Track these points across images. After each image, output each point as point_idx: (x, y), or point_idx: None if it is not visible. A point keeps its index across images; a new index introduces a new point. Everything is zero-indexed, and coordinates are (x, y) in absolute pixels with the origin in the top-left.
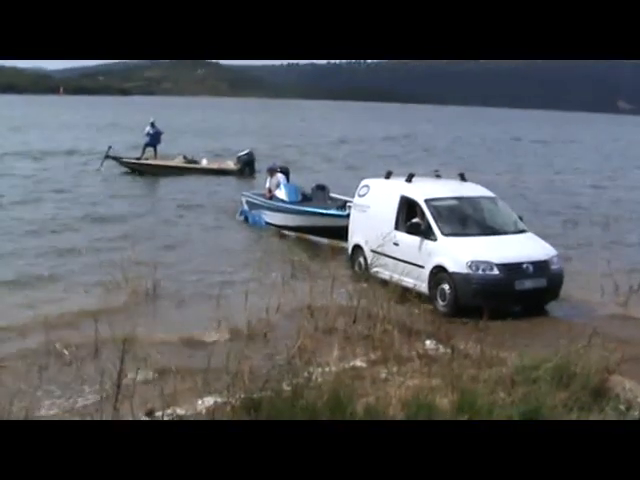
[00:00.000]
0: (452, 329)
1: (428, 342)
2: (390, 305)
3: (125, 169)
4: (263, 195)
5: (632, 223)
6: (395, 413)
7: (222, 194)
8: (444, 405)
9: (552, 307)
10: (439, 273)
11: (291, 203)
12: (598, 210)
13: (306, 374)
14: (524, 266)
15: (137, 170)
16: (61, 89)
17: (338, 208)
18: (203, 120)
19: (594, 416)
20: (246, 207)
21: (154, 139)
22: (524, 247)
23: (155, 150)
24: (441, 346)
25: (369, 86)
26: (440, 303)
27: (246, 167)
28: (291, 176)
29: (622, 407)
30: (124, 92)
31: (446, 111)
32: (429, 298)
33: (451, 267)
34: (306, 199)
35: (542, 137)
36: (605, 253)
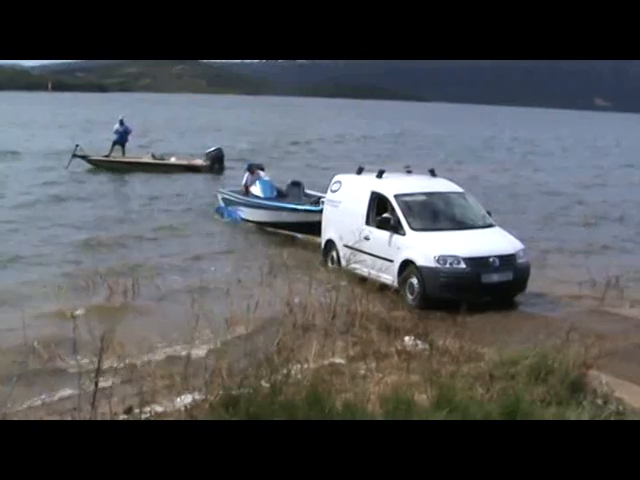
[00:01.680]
0: (431, 325)
1: (407, 338)
2: (369, 301)
3: (92, 167)
4: (239, 192)
5: (611, 221)
6: (374, 409)
7: (194, 191)
8: (423, 401)
9: (530, 302)
10: (408, 267)
11: (266, 199)
12: (579, 207)
13: (285, 371)
14: (491, 260)
15: (105, 167)
16: (49, 85)
17: (312, 204)
18: (182, 117)
19: (572, 410)
20: (222, 203)
21: (122, 137)
22: (491, 241)
23: (123, 148)
24: (420, 342)
25: (351, 83)
26: (409, 297)
27: (215, 163)
28: (269, 173)
29: (599, 401)
30: (102, 89)
31: (429, 108)
32: (398, 292)
33: (419, 261)
34: (281, 195)
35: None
36: (583, 248)
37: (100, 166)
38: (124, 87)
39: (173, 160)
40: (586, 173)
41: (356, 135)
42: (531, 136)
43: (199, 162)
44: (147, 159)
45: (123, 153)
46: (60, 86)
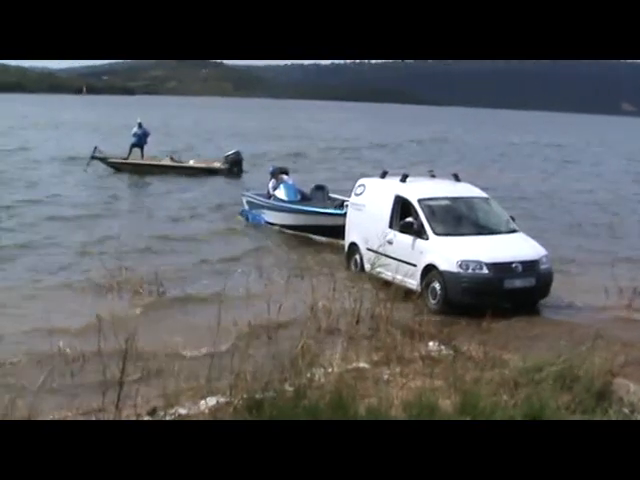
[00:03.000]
0: (455, 330)
1: (431, 343)
2: (393, 306)
3: (111, 169)
4: (264, 195)
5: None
6: (397, 414)
7: (215, 194)
8: (446, 406)
9: (555, 309)
10: (430, 271)
11: (290, 202)
12: (605, 214)
13: (309, 375)
14: (513, 265)
15: (124, 170)
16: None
17: (336, 207)
18: (208, 120)
19: (597, 418)
20: (247, 207)
21: (141, 139)
22: (514, 247)
23: (142, 150)
24: (444, 347)
25: (373, 86)
26: (431, 301)
27: (234, 166)
28: (295, 177)
29: (626, 410)
30: (128, 91)
31: (453, 112)
32: (422, 296)
33: (442, 266)
34: (305, 199)
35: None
36: (610, 256)
37: (119, 169)
38: (150, 90)
39: (191, 163)
40: (624, 181)
41: (388, 139)
42: (561, 141)
43: (217, 165)
44: (166, 162)
45: (142, 156)
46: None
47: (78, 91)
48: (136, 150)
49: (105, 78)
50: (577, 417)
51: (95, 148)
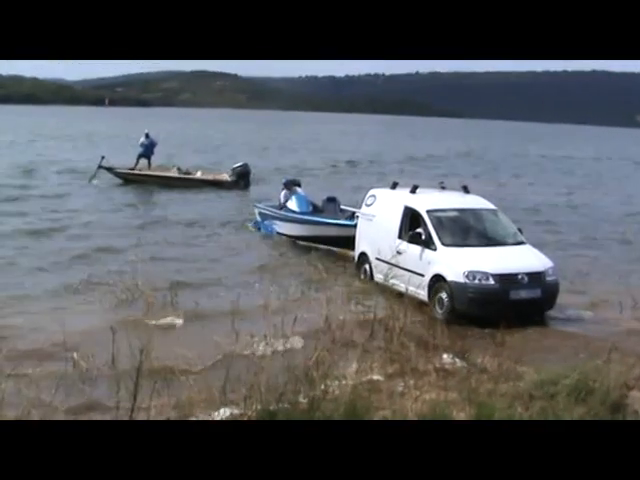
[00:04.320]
0: (469, 343)
1: (445, 356)
2: (407, 317)
3: (121, 181)
4: (276, 206)
5: None
6: None
7: (224, 205)
8: (461, 419)
9: (570, 321)
10: (438, 282)
11: (302, 213)
12: (619, 227)
13: (323, 387)
14: (519, 277)
15: (131, 180)
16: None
17: (347, 218)
18: (222, 132)
19: None
20: (259, 217)
21: (148, 150)
22: (520, 258)
23: (149, 160)
24: (458, 360)
25: (387, 98)
26: (438, 311)
27: (240, 179)
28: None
29: None
30: (143, 103)
31: (469, 125)
32: (428, 305)
33: (449, 276)
34: (317, 210)
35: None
36: (624, 269)
37: (126, 179)
38: (164, 102)
39: (199, 174)
40: None
41: (420, 154)
42: (583, 154)
43: (224, 177)
44: (173, 173)
45: (149, 166)
46: (99, 101)
47: (100, 102)
48: (143, 161)
49: (120, 90)
50: None
51: (102, 158)
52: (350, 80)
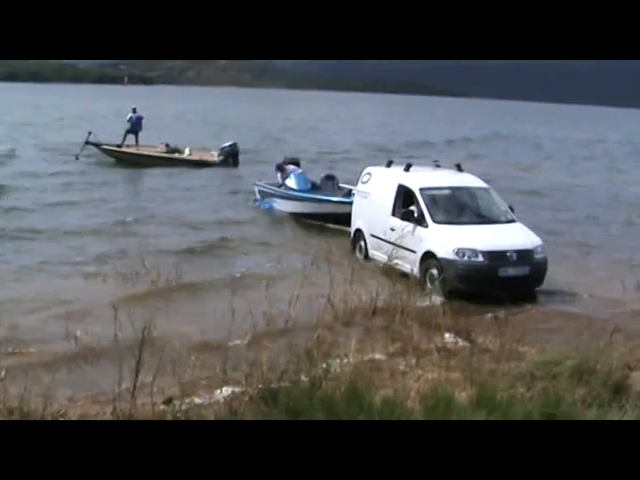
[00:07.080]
0: (471, 322)
1: (447, 335)
2: (409, 297)
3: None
4: (275, 184)
5: None
6: (413, 406)
7: (219, 184)
8: (462, 399)
9: (572, 302)
10: (429, 258)
11: (300, 191)
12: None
13: (324, 365)
14: (508, 254)
15: (117, 158)
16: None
17: (344, 195)
18: (224, 110)
19: (613, 412)
20: (258, 195)
21: (135, 125)
22: (510, 236)
23: (136, 137)
24: (460, 339)
25: (392, 78)
26: (429, 286)
27: (229, 158)
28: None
29: None
30: (146, 81)
31: (478, 104)
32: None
33: (439, 253)
34: (316, 188)
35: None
36: (627, 249)
37: (113, 156)
38: (168, 80)
39: (187, 152)
40: None
41: (457, 136)
42: (601, 137)
43: (213, 157)
44: (160, 149)
45: (136, 142)
46: (102, 78)
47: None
48: (130, 137)
49: (123, 67)
50: (593, 411)
51: (89, 133)
52: (354, 60)
